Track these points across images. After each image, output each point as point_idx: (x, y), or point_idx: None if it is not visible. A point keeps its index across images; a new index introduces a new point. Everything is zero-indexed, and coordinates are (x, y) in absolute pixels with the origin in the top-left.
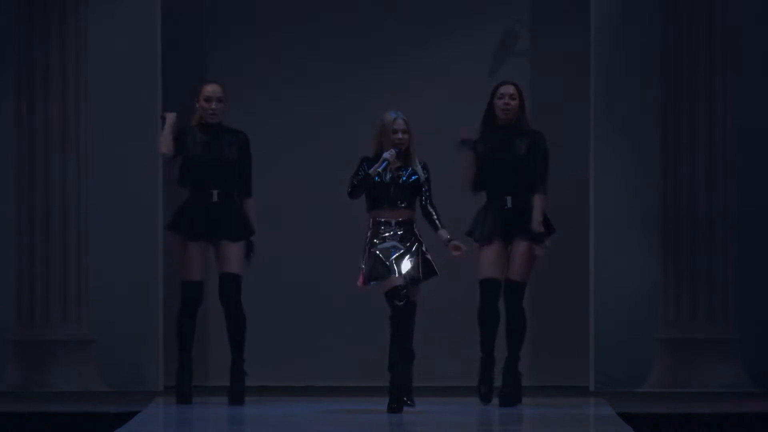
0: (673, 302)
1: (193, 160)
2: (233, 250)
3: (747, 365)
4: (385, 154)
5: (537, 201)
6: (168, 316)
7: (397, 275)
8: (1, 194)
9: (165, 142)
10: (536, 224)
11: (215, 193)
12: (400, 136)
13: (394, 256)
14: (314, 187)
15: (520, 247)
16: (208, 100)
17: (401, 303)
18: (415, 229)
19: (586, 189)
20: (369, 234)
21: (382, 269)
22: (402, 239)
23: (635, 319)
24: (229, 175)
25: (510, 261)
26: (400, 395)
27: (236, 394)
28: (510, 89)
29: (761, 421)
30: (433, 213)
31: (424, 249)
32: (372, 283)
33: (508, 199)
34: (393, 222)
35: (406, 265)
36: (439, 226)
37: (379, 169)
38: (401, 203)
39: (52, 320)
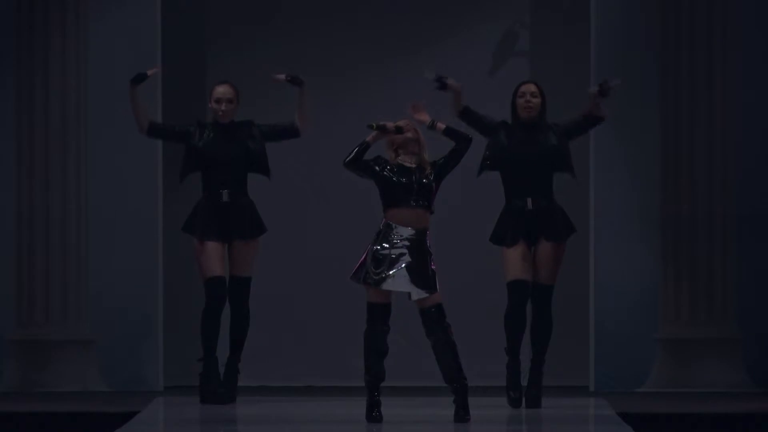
0: (673, 302)
1: (202, 158)
2: (245, 252)
3: (747, 365)
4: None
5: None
6: (168, 316)
7: (383, 288)
8: (1, 194)
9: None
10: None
11: (225, 192)
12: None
13: (392, 269)
14: (315, 188)
15: (545, 249)
16: (217, 101)
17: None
18: (427, 240)
19: (587, 189)
20: (376, 234)
21: (369, 273)
22: (409, 251)
23: (635, 319)
24: (238, 173)
25: (537, 264)
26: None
27: (229, 393)
28: (531, 87)
29: (761, 421)
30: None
31: (430, 263)
32: (358, 281)
33: (528, 200)
34: (404, 232)
35: (405, 277)
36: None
37: (373, 123)
38: (421, 202)
39: (52, 320)
